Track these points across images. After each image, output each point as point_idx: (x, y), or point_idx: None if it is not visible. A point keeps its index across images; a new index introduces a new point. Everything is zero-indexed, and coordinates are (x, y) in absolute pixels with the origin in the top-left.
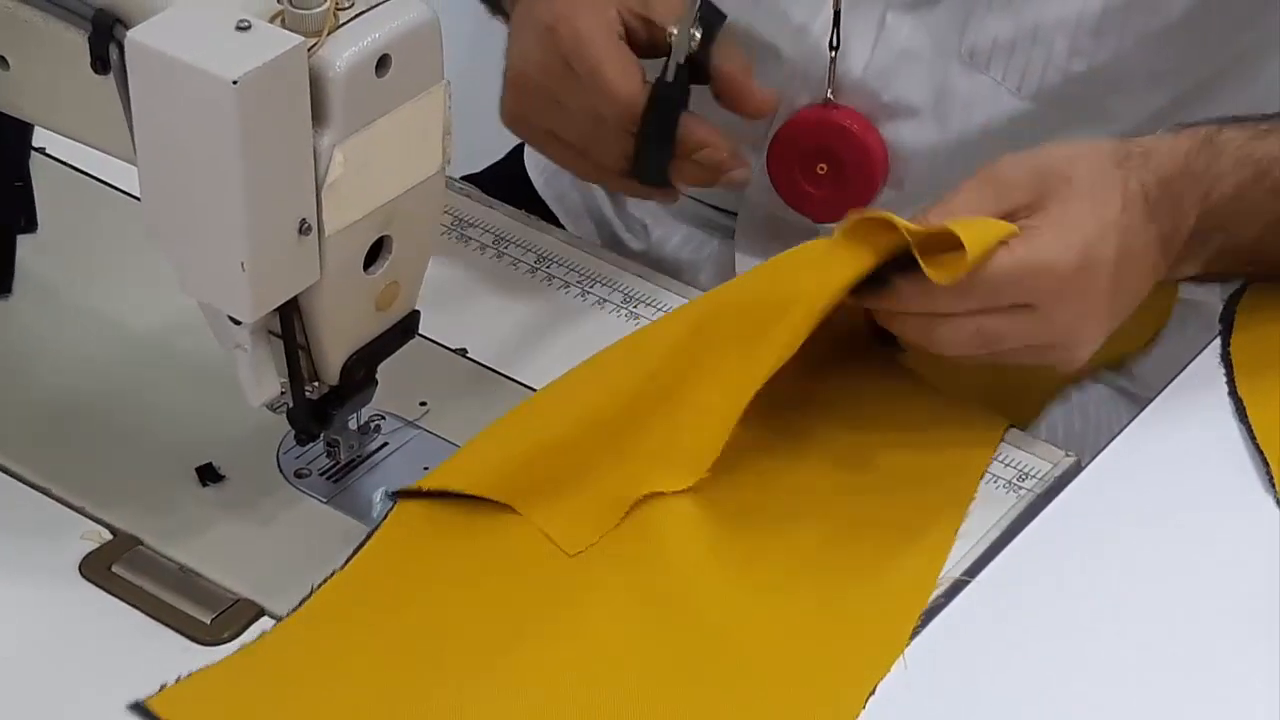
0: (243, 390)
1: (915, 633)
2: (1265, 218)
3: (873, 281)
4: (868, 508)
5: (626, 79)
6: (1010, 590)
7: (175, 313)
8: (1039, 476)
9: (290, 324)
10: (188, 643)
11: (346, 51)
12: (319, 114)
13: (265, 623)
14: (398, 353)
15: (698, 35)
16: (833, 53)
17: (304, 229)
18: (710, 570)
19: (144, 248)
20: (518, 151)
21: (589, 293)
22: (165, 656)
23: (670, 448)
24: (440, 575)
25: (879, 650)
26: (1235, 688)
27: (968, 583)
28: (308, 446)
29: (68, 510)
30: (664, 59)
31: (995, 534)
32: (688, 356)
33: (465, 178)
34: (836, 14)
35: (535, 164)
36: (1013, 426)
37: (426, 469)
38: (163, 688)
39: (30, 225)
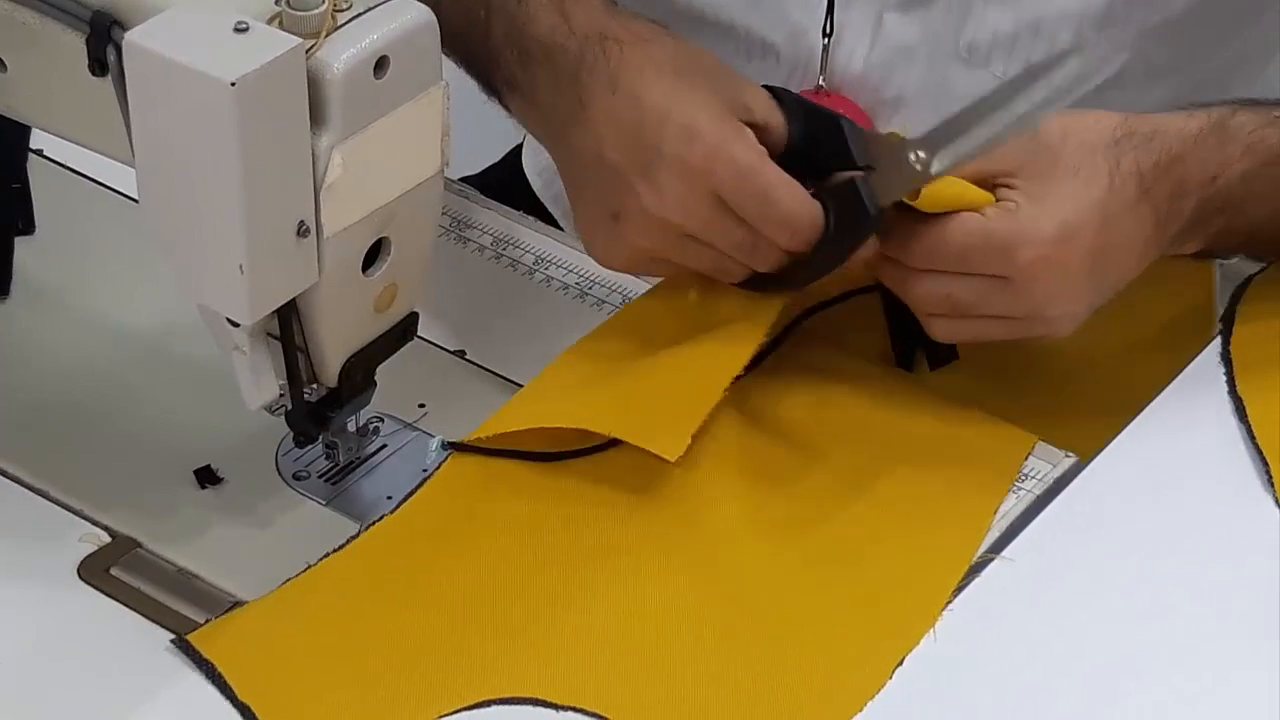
0: (241, 392)
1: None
2: (1270, 204)
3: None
4: (905, 487)
5: (803, 204)
6: (1011, 589)
7: (173, 315)
8: (1039, 477)
9: (289, 326)
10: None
11: (345, 53)
12: (317, 116)
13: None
14: (396, 355)
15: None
16: (826, 39)
17: (302, 231)
18: (750, 540)
19: (142, 250)
20: (516, 153)
21: (588, 294)
22: (164, 659)
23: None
24: (486, 529)
25: (909, 622)
26: (1236, 687)
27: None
28: (306, 449)
29: (66, 513)
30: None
31: (995, 534)
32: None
33: (464, 179)
34: (830, 2)
35: (534, 166)
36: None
37: (425, 471)
38: (206, 622)
39: (28, 227)
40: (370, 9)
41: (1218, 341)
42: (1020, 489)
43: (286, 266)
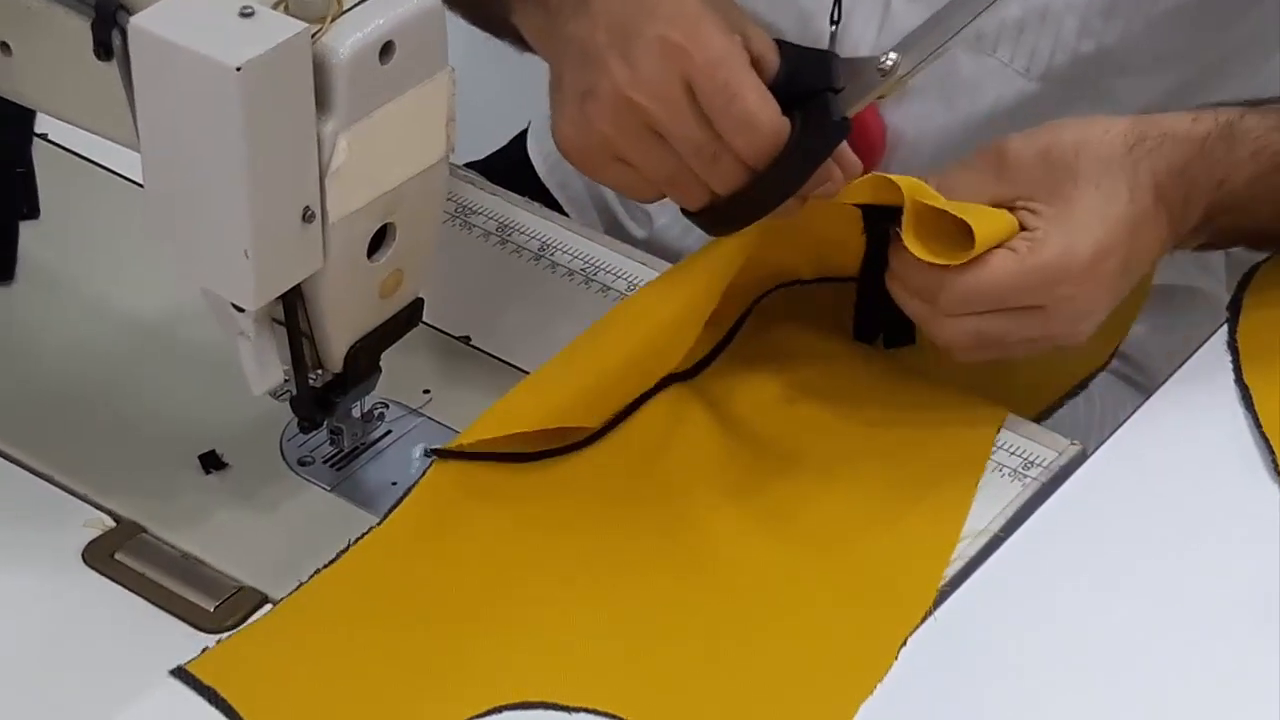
0: (246, 378)
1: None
2: (1271, 206)
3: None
4: (885, 470)
5: (771, 112)
6: (1016, 578)
7: (178, 300)
8: (1044, 465)
9: (294, 311)
10: (191, 630)
11: (350, 38)
12: (322, 101)
13: (268, 610)
14: (401, 340)
15: (909, 82)
16: (833, 27)
17: (307, 216)
18: (737, 532)
19: (146, 234)
20: (521, 138)
21: (592, 280)
22: (168, 644)
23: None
24: (475, 535)
25: (905, 605)
26: (1240, 674)
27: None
28: (311, 434)
29: (71, 498)
30: (817, 95)
31: (1000, 522)
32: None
33: (469, 165)
34: None
35: (539, 151)
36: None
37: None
38: (203, 652)
39: (32, 212)
40: None
41: (1224, 329)
42: (1026, 477)
43: (292, 252)
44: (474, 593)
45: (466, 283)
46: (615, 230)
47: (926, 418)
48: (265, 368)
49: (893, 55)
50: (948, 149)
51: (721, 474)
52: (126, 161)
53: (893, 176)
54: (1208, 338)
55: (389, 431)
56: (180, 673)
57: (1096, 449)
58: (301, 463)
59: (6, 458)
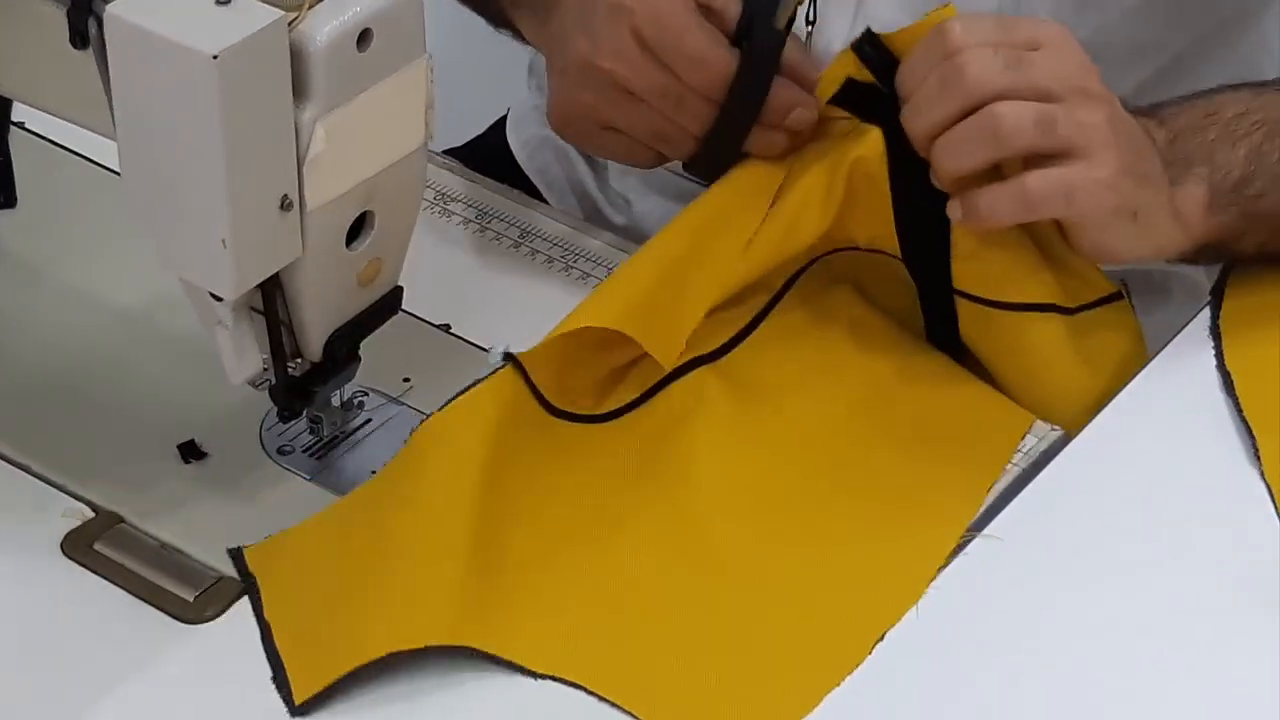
0: (225, 367)
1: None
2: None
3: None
4: (899, 463)
5: (715, 44)
6: (998, 563)
7: (156, 289)
8: (1025, 450)
9: (272, 300)
10: (171, 620)
11: (327, 26)
12: (300, 89)
13: (249, 600)
14: (381, 329)
15: None
16: (809, 26)
17: (285, 205)
18: (740, 516)
19: (124, 224)
20: (500, 125)
21: (573, 267)
22: (148, 634)
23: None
24: (503, 461)
25: (892, 600)
26: (1224, 658)
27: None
28: (290, 423)
29: (49, 488)
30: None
31: (981, 508)
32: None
33: (447, 151)
34: None
35: (518, 138)
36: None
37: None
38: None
39: (9, 201)
40: None
41: (1205, 314)
42: (1008, 463)
43: (270, 240)
44: (482, 523)
45: (446, 270)
46: (594, 217)
47: (950, 416)
48: (244, 357)
49: None
50: None
51: (730, 458)
52: (104, 150)
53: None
54: (1188, 322)
55: (369, 420)
56: (235, 552)
57: (1077, 434)
58: (281, 452)
59: None
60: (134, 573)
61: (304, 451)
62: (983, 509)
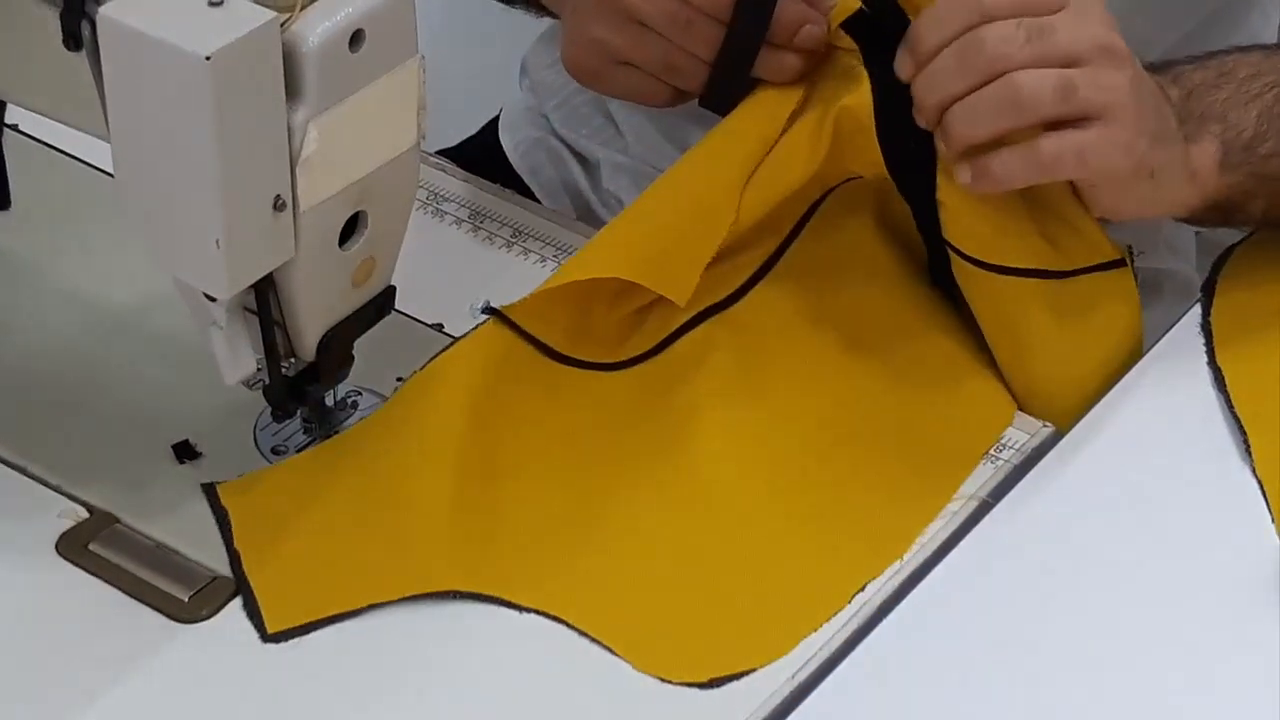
0: (219, 367)
1: (895, 601)
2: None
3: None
4: (888, 431)
5: None
6: (989, 560)
7: (150, 290)
8: (1017, 447)
9: (266, 301)
10: (166, 620)
11: (320, 26)
12: (293, 89)
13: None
14: (374, 329)
15: None
16: None
17: (279, 205)
18: (729, 464)
19: (118, 225)
20: (492, 126)
21: None
22: (143, 634)
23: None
24: (495, 411)
25: (868, 562)
26: (1216, 654)
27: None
28: (284, 423)
29: (44, 488)
30: None
31: (974, 504)
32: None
33: (440, 152)
34: None
35: (510, 139)
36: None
37: None
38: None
39: (4, 203)
40: None
41: (1197, 310)
42: (998, 459)
43: (263, 241)
44: (469, 468)
45: (438, 270)
46: (587, 217)
47: (951, 370)
48: (238, 357)
49: None
50: None
51: (730, 410)
52: (97, 152)
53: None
54: (1179, 319)
55: (362, 420)
56: (208, 487)
57: (1069, 430)
58: (275, 451)
59: None
60: (129, 572)
61: (298, 451)
62: (976, 504)
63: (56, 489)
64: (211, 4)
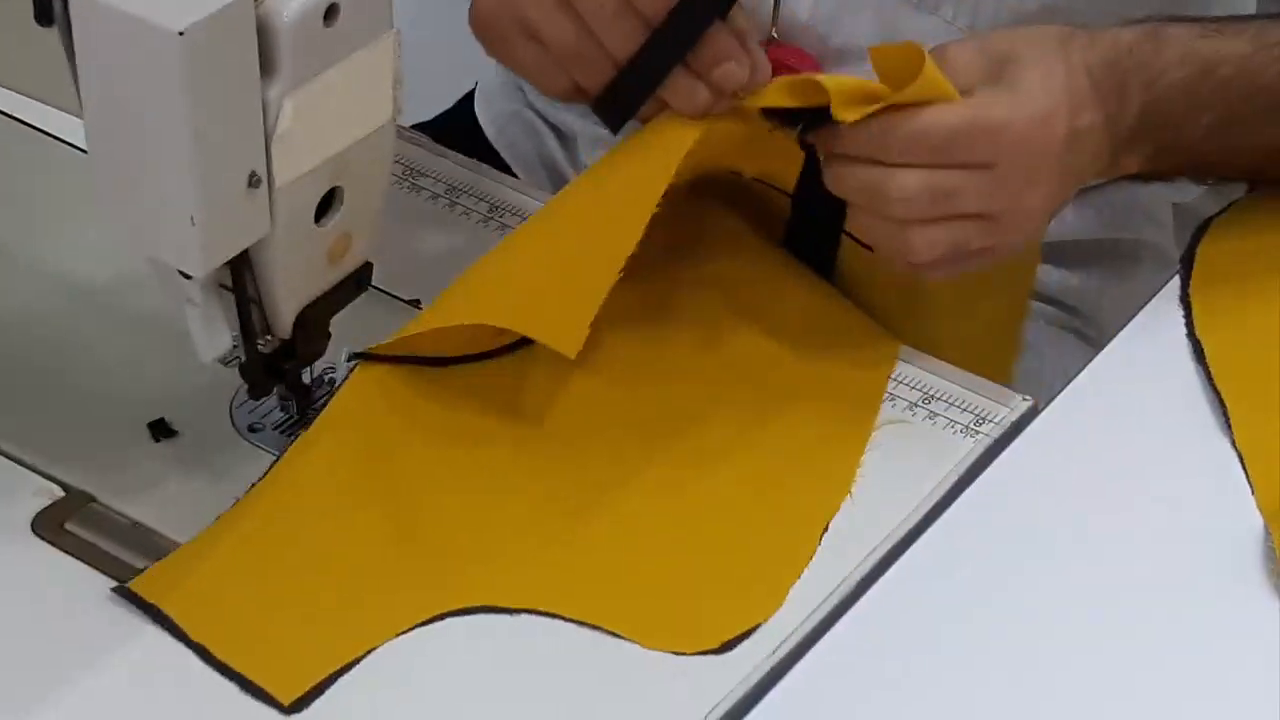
0: (194, 345)
1: (875, 576)
2: (1208, 116)
3: (814, 121)
4: (790, 367)
5: None
6: (967, 534)
7: (125, 267)
8: (996, 421)
9: (241, 277)
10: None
11: (294, 1)
12: (267, 64)
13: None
14: (351, 305)
15: None
16: None
17: (254, 181)
18: (654, 437)
19: (91, 201)
20: (468, 100)
21: None
22: (120, 614)
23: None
24: (400, 440)
25: (822, 501)
26: (1196, 627)
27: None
28: (261, 401)
29: (19, 467)
30: None
31: (953, 479)
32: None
33: (416, 126)
34: None
35: (486, 112)
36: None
37: None
38: (143, 570)
39: None
40: None
41: (1174, 283)
42: (977, 433)
43: (238, 217)
44: (404, 499)
45: (416, 246)
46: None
47: (833, 333)
48: (213, 334)
49: None
50: None
51: (632, 384)
52: (70, 128)
53: (817, 76)
54: (1157, 291)
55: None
56: (122, 590)
57: (1048, 404)
58: (252, 429)
59: None
60: (105, 552)
61: (275, 429)
62: (953, 480)
63: (32, 468)
64: None
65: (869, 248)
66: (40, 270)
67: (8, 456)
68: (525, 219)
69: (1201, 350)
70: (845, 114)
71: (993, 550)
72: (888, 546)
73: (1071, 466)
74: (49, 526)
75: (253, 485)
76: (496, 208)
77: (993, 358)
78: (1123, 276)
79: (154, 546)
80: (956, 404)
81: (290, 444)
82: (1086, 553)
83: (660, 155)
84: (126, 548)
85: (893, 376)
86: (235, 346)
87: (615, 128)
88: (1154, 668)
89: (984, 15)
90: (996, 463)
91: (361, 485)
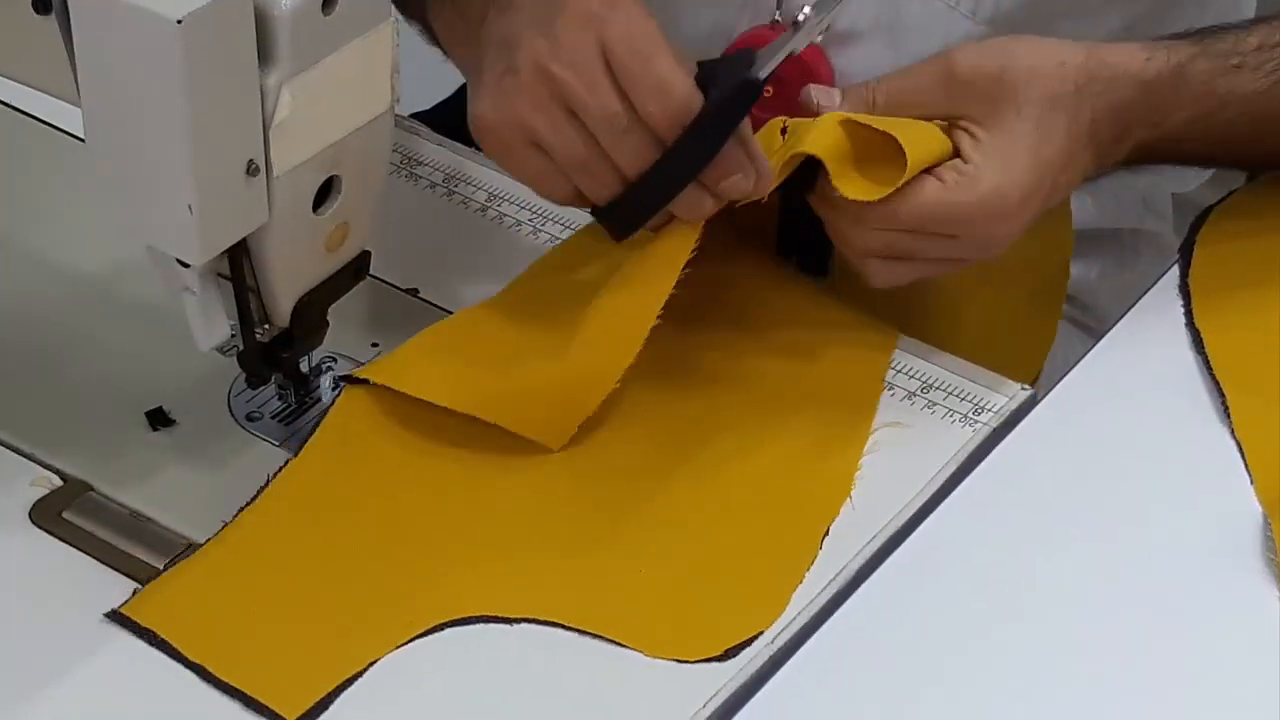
0: (192, 334)
1: (872, 567)
2: (1203, 147)
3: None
4: (783, 389)
5: (684, 78)
6: (968, 524)
7: (123, 255)
8: (995, 410)
9: (239, 266)
10: (140, 588)
11: None
12: (265, 53)
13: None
14: (349, 294)
15: (825, 27)
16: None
17: (252, 170)
18: (652, 450)
19: (89, 190)
20: (466, 89)
21: (541, 231)
22: (117, 603)
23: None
24: (391, 456)
25: (820, 508)
26: (1196, 615)
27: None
28: (259, 389)
29: (17, 456)
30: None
31: (953, 468)
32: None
33: (414, 115)
34: None
35: None
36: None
37: None
38: (134, 594)
39: None
40: None
41: (1173, 272)
42: (977, 422)
43: (236, 206)
44: (400, 511)
45: (413, 234)
46: None
47: (827, 332)
48: (211, 323)
49: (806, 9)
50: None
51: (622, 392)
52: (68, 116)
53: (812, 150)
54: (1156, 281)
55: (337, 386)
56: (116, 616)
57: (1047, 393)
58: (250, 418)
59: None
60: (103, 541)
61: (273, 418)
62: (952, 469)
63: (29, 457)
64: None
65: None
66: (38, 259)
67: (5, 445)
68: (523, 207)
69: (1200, 339)
70: (842, 182)
71: (991, 539)
72: (885, 537)
73: (1070, 455)
74: (47, 515)
75: (242, 509)
76: (494, 196)
77: (1012, 350)
78: (1122, 266)
79: (152, 535)
80: (955, 393)
81: (288, 433)
82: (1085, 541)
83: (665, 268)
84: (124, 537)
85: (891, 366)
86: (233, 335)
87: (620, 238)
88: (1153, 655)
89: (987, 0)
90: (995, 452)
91: (356, 497)
